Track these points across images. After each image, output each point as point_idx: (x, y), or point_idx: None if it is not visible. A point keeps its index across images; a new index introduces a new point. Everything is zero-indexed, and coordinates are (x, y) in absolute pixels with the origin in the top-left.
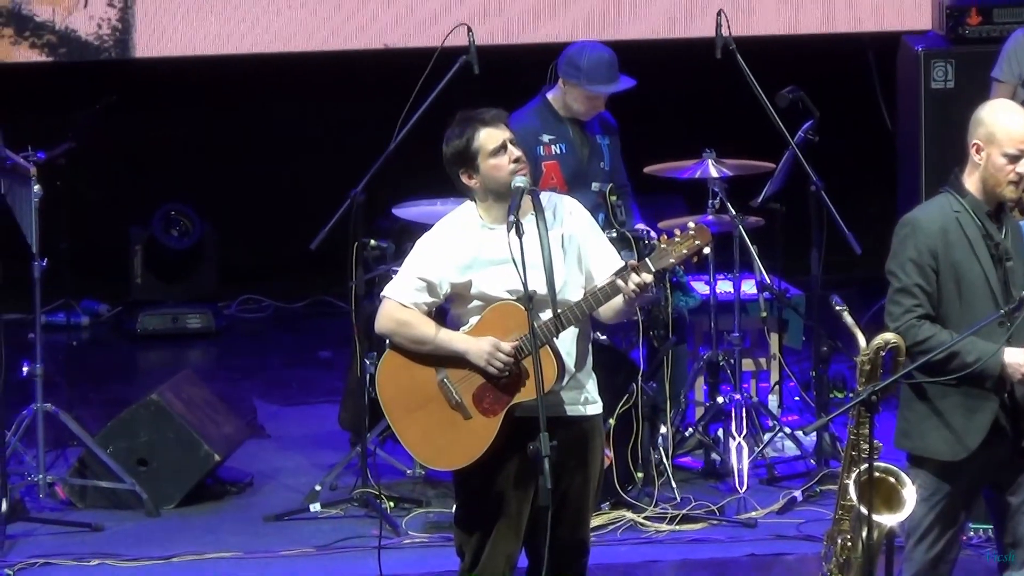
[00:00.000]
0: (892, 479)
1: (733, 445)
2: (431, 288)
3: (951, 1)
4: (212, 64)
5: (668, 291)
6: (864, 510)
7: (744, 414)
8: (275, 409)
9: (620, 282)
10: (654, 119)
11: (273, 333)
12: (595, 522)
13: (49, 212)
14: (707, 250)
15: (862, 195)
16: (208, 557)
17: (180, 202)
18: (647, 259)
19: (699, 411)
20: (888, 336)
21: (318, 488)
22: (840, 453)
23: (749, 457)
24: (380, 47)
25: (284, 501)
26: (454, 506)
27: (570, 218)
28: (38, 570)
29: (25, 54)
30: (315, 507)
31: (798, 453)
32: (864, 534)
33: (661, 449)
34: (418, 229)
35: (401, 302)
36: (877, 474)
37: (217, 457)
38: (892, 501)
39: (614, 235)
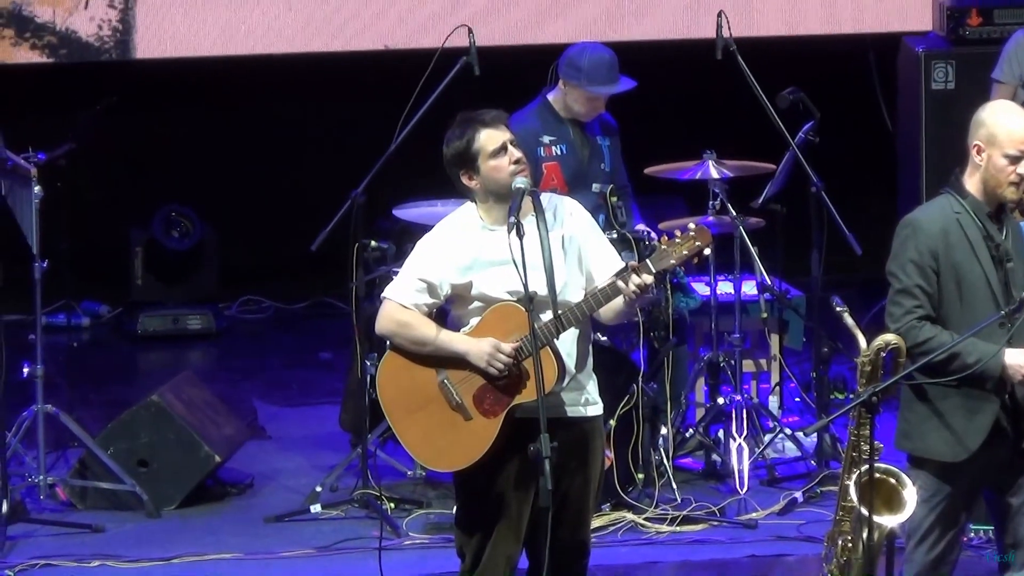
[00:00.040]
0: (893, 480)
1: (734, 446)
2: (431, 289)
3: (951, 2)
4: (213, 65)
5: (669, 292)
6: (865, 511)
7: (745, 415)
8: (275, 410)
9: (620, 283)
10: (655, 120)
11: (273, 334)
12: (596, 523)
13: (49, 213)
14: (707, 251)
15: (862, 196)
16: (208, 558)
17: (180, 203)
18: (647, 260)
19: (699, 412)
20: (889, 337)
21: (319, 489)
22: (841, 454)
23: (750, 458)
24: (381, 48)
25: (284, 502)
26: (454, 507)
27: (570, 219)
28: (39, 571)
29: (26, 55)
30: (316, 508)
31: (799, 454)
32: (865, 535)
33: (662, 450)
34: (419, 230)
35: (401, 303)
36: (878, 475)
37: (218, 458)
38: (893, 502)
39: (614, 236)
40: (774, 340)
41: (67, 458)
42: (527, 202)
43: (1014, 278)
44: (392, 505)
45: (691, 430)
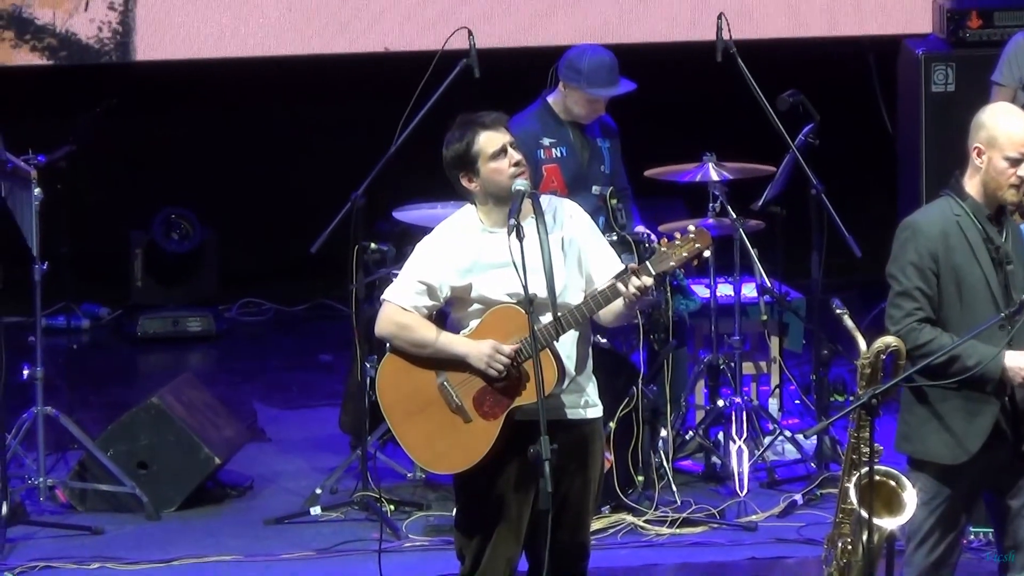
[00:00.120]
0: (892, 483)
1: (733, 448)
2: (431, 291)
3: (952, 4)
4: (213, 67)
5: (668, 294)
6: (864, 514)
7: (744, 417)
8: (275, 412)
9: (620, 285)
10: (655, 122)
11: (273, 336)
12: (595, 525)
13: (49, 215)
14: (707, 253)
15: (862, 198)
16: (208, 560)
17: (180, 205)
18: (647, 262)
19: (699, 414)
20: (888, 339)
21: (318, 491)
22: (840, 456)
23: (749, 460)
24: (381, 50)
25: (284, 504)
26: (454, 509)
27: (570, 221)
28: (38, 573)
29: (26, 57)
30: (315, 510)
31: (798, 456)
32: (864, 538)
33: (661, 452)
34: (418, 232)
35: (401, 305)
36: (877, 477)
37: (217, 460)
38: (892, 505)
39: (614, 238)
40: (774, 342)
41: (67, 460)
42: (527, 204)
43: (1014, 280)
44: (392, 507)
45: (691, 432)
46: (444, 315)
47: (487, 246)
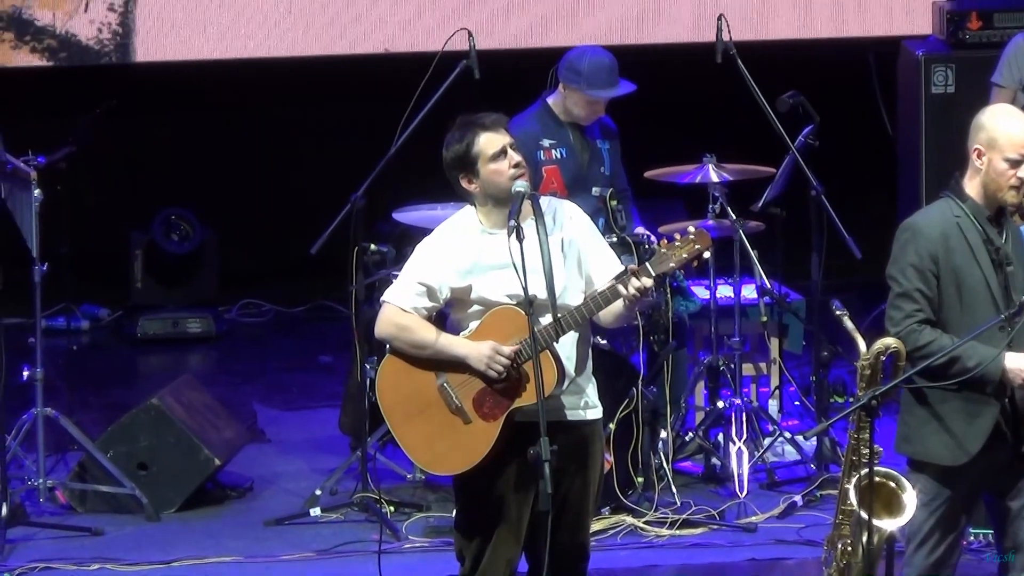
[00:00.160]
0: (892, 484)
1: (733, 450)
2: (431, 293)
3: (952, 6)
4: (213, 68)
5: (668, 295)
6: (864, 515)
7: (744, 419)
8: (275, 413)
9: (620, 286)
10: (654, 123)
11: (273, 337)
12: (595, 527)
13: (49, 216)
14: (707, 254)
15: (862, 200)
16: (208, 561)
17: (180, 206)
18: (647, 263)
19: (699, 416)
20: (888, 341)
21: (318, 492)
22: (840, 458)
23: (749, 462)
24: (381, 52)
25: (284, 505)
26: (454, 511)
27: (570, 223)
28: (38, 574)
29: (25, 58)
30: (315, 511)
31: (798, 458)
32: (864, 539)
33: (661, 454)
34: (418, 233)
35: (401, 307)
36: (877, 479)
37: (217, 461)
38: (892, 506)
39: (614, 239)
40: (774, 344)
41: (67, 461)
42: (527, 206)
43: (1014, 282)
44: (392, 508)
45: (691, 434)
46: (444, 316)
47: (487, 247)
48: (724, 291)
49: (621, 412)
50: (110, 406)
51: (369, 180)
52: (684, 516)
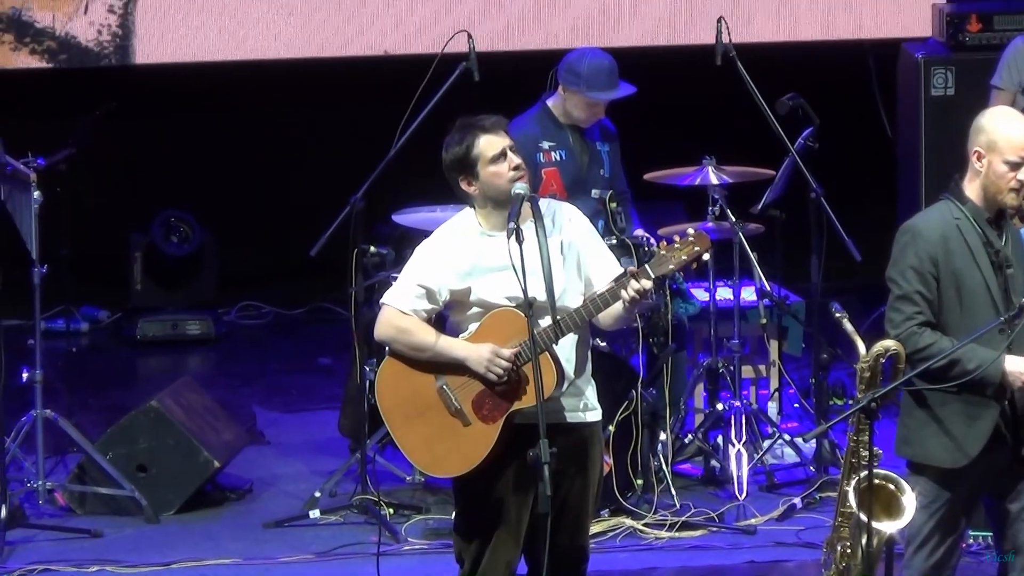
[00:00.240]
0: (892, 486)
1: (732, 452)
2: (430, 295)
3: (951, 8)
4: (212, 70)
5: (668, 298)
6: (864, 517)
7: (744, 421)
8: (275, 415)
9: (620, 288)
10: (654, 126)
11: (273, 339)
12: (594, 529)
13: (49, 218)
14: (706, 257)
15: (862, 202)
16: (207, 563)
17: (180, 208)
18: (647, 265)
19: (699, 418)
20: (888, 343)
21: (317, 494)
22: (840, 460)
23: (748, 464)
24: (380, 53)
25: (283, 507)
26: (453, 513)
27: (569, 225)
28: None
29: (25, 60)
30: (314, 513)
31: (798, 460)
32: (864, 541)
33: (660, 456)
34: (417, 236)
35: (400, 309)
36: (877, 481)
37: (216, 463)
38: (892, 508)
39: (614, 242)
40: (773, 346)
41: (66, 463)
42: (526, 208)
43: (1014, 284)
44: (391, 511)
45: (690, 436)
46: (443, 318)
47: (486, 250)
48: (723, 293)
49: (620, 414)
50: (109, 408)
51: (368, 182)
52: (683, 518)
